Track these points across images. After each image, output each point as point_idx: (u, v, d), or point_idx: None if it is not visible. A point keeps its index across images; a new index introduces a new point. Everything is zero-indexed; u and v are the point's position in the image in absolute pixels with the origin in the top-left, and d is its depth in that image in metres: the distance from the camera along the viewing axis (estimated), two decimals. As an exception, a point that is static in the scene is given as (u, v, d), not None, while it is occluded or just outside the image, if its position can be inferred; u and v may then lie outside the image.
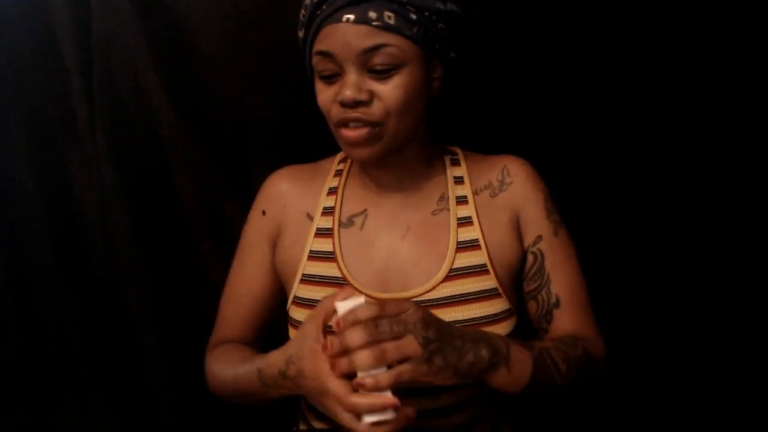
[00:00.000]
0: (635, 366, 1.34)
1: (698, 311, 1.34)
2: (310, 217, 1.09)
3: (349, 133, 0.96)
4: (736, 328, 1.33)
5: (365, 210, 1.07)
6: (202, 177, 1.39)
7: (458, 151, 1.13)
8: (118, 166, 1.36)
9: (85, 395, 1.40)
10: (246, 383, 0.99)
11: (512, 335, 1.01)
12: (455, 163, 1.11)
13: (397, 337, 0.80)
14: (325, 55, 0.95)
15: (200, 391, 1.22)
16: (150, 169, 1.39)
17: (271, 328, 1.15)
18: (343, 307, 0.82)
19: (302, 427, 1.12)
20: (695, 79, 1.31)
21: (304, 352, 0.86)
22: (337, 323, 0.81)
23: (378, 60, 0.93)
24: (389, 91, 0.95)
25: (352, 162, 1.13)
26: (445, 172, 1.09)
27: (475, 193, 1.06)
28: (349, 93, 0.93)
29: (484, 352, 0.86)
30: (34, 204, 1.37)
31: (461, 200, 1.06)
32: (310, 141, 1.28)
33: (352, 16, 0.92)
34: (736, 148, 1.32)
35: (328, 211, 1.08)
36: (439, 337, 0.82)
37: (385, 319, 0.80)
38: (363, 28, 0.92)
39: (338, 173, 1.12)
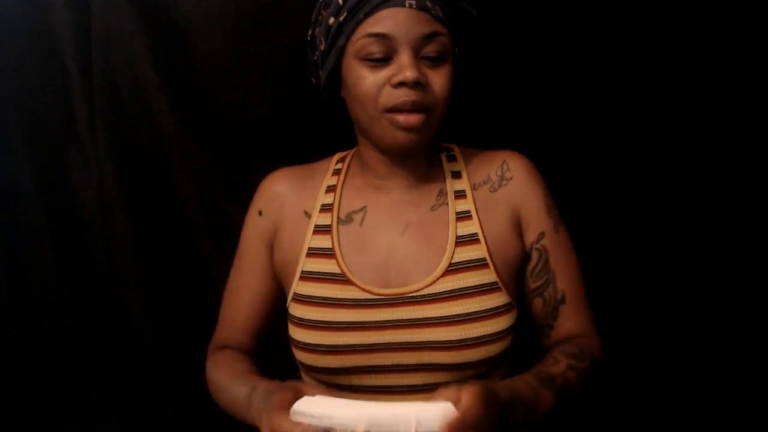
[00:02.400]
0: (635, 366, 1.34)
1: (698, 310, 1.34)
2: (308, 215, 1.08)
3: (407, 118, 0.96)
4: (736, 327, 1.33)
5: (364, 206, 1.07)
6: (202, 177, 1.40)
7: (454, 147, 1.13)
8: (118, 166, 1.37)
9: (85, 395, 1.40)
10: (240, 408, 0.99)
11: (513, 328, 1.01)
12: (452, 158, 1.11)
13: None
14: (382, 37, 0.95)
15: (200, 391, 1.22)
16: (150, 169, 1.39)
17: (272, 327, 1.14)
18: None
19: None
20: (695, 77, 1.31)
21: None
22: None
23: (432, 47, 0.96)
24: (440, 79, 0.97)
25: (351, 161, 1.13)
26: (442, 168, 1.09)
27: (473, 187, 1.06)
28: (410, 73, 0.93)
29: (519, 415, 0.88)
30: (34, 204, 1.37)
31: (459, 194, 1.06)
32: (310, 140, 1.28)
33: (414, 2, 0.94)
34: (736, 147, 1.32)
35: (326, 208, 1.08)
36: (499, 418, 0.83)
37: None
38: (423, 14, 0.95)
39: (336, 172, 1.12)
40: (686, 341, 1.35)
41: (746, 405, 1.33)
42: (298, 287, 1.05)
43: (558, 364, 0.97)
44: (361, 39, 0.96)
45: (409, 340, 0.97)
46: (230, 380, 1.04)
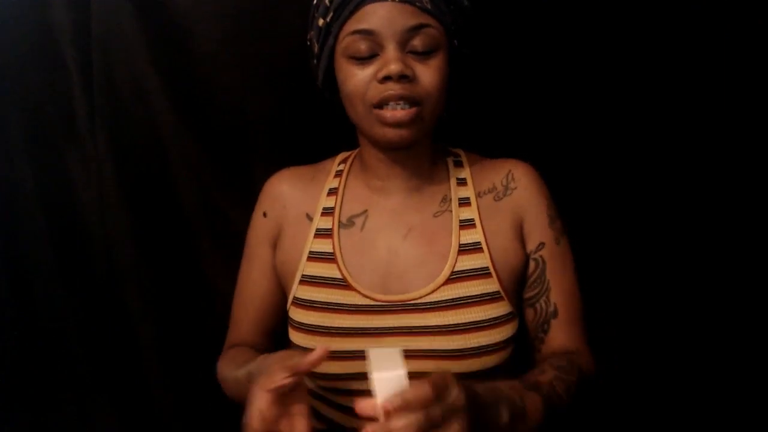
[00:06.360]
0: (633, 372, 1.34)
1: (699, 318, 1.34)
2: (310, 218, 1.09)
3: (393, 113, 0.95)
4: (737, 336, 1.33)
5: (366, 210, 1.07)
6: (202, 176, 1.39)
7: (461, 153, 1.13)
8: (118, 166, 1.36)
9: (85, 395, 1.40)
10: (242, 387, 0.99)
11: (513, 338, 1.01)
12: (458, 164, 1.11)
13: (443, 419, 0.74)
14: (366, 33, 0.94)
15: (200, 391, 1.22)
16: (150, 169, 1.39)
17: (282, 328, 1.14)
18: (381, 377, 0.76)
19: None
20: (695, 78, 1.31)
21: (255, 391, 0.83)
22: (384, 408, 0.73)
23: (419, 40, 0.95)
24: (429, 72, 0.96)
25: (353, 163, 1.12)
26: (447, 174, 1.09)
27: (478, 195, 1.06)
28: (394, 66, 0.93)
29: (505, 414, 0.83)
30: (34, 204, 1.37)
31: (464, 202, 1.05)
32: (310, 141, 1.28)
33: None
34: (737, 150, 1.31)
35: (327, 212, 1.08)
36: (479, 417, 0.78)
37: (434, 405, 0.73)
38: (407, 7, 0.94)
39: (338, 174, 1.12)
40: (688, 350, 1.35)
41: (746, 409, 1.33)
42: (298, 291, 1.05)
43: (544, 373, 0.96)
44: (347, 37, 0.96)
45: (409, 348, 0.95)
46: (236, 368, 1.03)
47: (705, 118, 1.31)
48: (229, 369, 1.06)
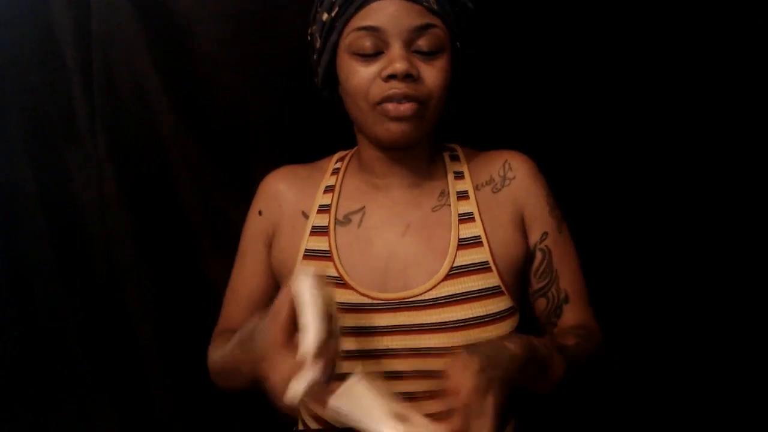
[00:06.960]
0: (635, 364, 1.34)
1: (698, 310, 1.34)
2: (305, 216, 1.08)
3: (397, 108, 0.94)
4: (736, 327, 1.33)
5: (363, 207, 1.07)
6: (202, 176, 1.39)
7: (456, 147, 1.13)
8: (118, 166, 1.36)
9: (85, 395, 1.40)
10: (231, 358, 0.99)
11: (515, 333, 1.00)
12: (454, 158, 1.10)
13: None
14: (372, 30, 0.94)
15: (200, 391, 1.22)
16: (150, 169, 1.39)
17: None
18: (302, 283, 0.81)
19: (300, 427, 1.12)
20: (695, 77, 1.31)
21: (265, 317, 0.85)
22: None
23: (425, 40, 0.95)
24: (434, 72, 0.96)
25: (350, 161, 1.12)
26: (444, 168, 1.09)
27: (476, 188, 1.06)
28: (400, 65, 0.93)
29: (531, 371, 0.86)
30: (34, 204, 1.37)
31: (462, 195, 1.05)
32: (310, 140, 1.28)
33: None
34: (736, 147, 1.32)
35: (324, 209, 1.07)
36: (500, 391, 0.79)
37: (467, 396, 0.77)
38: (415, 6, 0.94)
39: (335, 171, 1.12)
40: (686, 340, 1.35)
41: (746, 405, 1.33)
42: (294, 290, 1.04)
43: (567, 338, 0.98)
44: (352, 33, 0.96)
45: (409, 346, 0.96)
46: (225, 345, 1.03)
47: (704, 116, 1.32)
48: (221, 348, 1.06)
